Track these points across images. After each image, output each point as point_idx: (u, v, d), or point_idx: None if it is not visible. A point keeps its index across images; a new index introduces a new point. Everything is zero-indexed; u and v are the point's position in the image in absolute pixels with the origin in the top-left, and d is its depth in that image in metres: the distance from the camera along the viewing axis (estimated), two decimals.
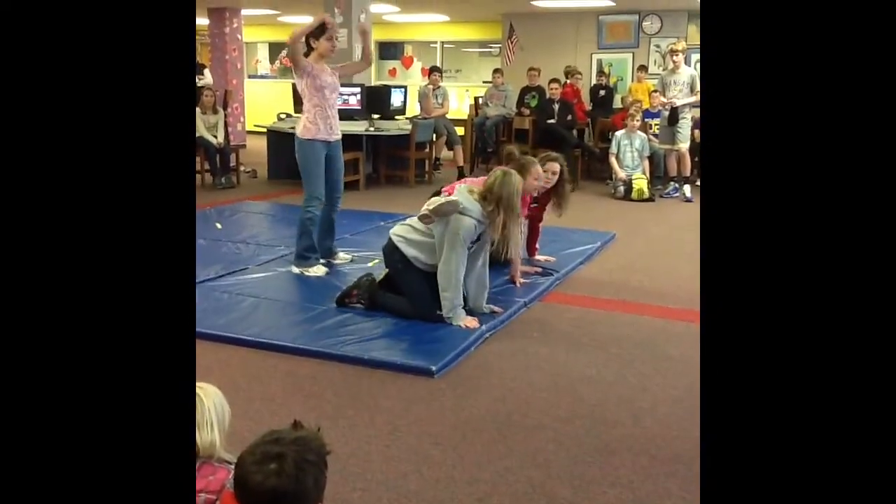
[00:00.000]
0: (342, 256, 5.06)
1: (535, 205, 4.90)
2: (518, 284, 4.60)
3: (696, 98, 8.36)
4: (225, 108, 9.27)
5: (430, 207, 3.85)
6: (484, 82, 11.95)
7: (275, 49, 15.08)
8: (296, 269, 4.83)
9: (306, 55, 4.67)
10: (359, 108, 8.41)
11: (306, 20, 8.60)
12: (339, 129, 4.85)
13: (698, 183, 8.70)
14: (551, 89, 9.05)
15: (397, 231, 4.03)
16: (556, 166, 4.74)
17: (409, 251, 3.93)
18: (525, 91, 9.83)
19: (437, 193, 4.55)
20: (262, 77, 15.44)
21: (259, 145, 10.27)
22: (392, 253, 4.00)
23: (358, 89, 8.37)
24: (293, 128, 8.16)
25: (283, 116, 8.98)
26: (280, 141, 8.60)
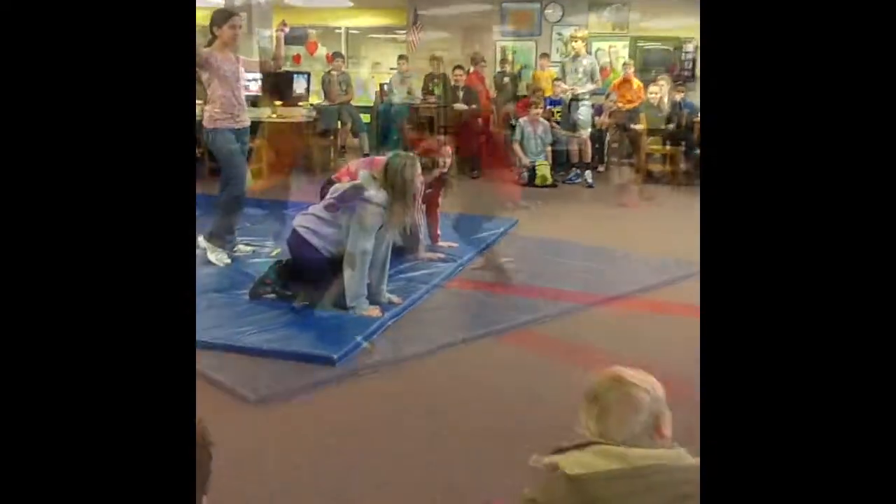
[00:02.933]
0: (242, 248, 4.94)
1: (430, 190, 4.92)
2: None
3: (596, 86, 8.53)
4: None
5: (336, 195, 3.81)
6: (390, 69, 11.87)
7: None
8: (203, 244, 4.67)
9: (210, 44, 4.54)
10: (260, 94, 8.23)
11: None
12: (247, 116, 4.81)
13: (600, 169, 8.91)
14: (455, 76, 9.08)
15: (302, 222, 3.96)
16: (449, 149, 4.86)
17: (316, 241, 3.87)
18: (429, 78, 9.83)
19: (330, 182, 4.53)
20: None
21: None
22: (298, 244, 3.94)
23: (259, 75, 8.19)
24: None
25: None
26: None
